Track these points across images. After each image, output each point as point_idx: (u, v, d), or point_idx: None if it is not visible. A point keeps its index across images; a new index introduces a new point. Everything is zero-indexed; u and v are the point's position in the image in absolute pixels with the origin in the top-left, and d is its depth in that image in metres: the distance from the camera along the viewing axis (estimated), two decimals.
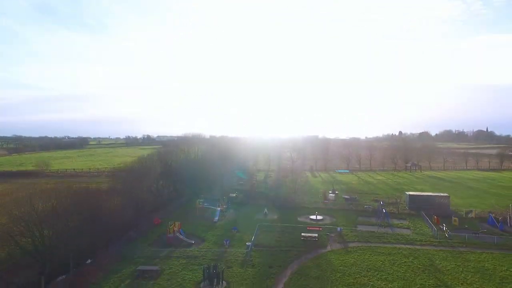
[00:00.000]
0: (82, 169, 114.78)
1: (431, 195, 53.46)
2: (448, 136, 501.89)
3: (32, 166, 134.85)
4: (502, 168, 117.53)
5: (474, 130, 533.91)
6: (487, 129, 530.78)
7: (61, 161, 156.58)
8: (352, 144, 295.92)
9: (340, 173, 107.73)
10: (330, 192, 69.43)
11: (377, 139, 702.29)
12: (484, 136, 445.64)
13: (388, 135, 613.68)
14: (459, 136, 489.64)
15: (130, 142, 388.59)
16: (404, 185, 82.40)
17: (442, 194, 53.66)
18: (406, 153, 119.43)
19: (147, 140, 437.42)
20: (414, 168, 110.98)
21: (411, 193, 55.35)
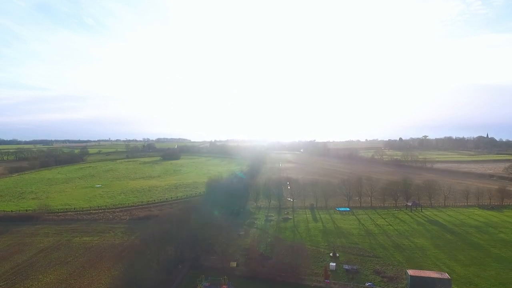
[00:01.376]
0: (82, 208, 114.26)
1: (432, 278, 53.31)
2: (449, 143, 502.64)
3: (32, 198, 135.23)
4: (503, 204, 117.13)
5: (475, 137, 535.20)
6: (487, 135, 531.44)
7: (61, 188, 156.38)
8: (352, 156, 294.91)
9: (341, 212, 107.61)
10: (331, 255, 69.59)
11: (377, 143, 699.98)
12: (485, 143, 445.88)
13: (388, 141, 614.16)
14: (460, 143, 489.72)
15: (131, 151, 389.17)
16: (404, 238, 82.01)
17: (443, 277, 53.47)
18: (406, 188, 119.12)
19: (147, 149, 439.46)
20: (415, 207, 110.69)
21: (412, 273, 55.08)
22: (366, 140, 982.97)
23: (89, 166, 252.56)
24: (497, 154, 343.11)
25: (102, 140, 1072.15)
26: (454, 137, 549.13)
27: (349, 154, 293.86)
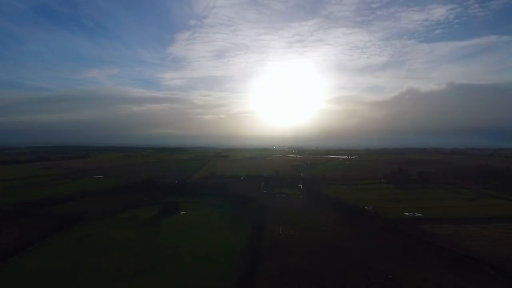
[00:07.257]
0: None
1: None
2: (450, 171, 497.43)
3: None
4: None
5: (475, 165, 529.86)
6: (487, 163, 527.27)
7: None
8: None
9: None
10: None
11: (376, 163, 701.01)
12: (485, 176, 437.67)
13: (388, 171, 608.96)
14: (460, 172, 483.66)
15: (129, 193, 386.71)
16: None
17: None
18: None
19: (147, 185, 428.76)
20: None
21: None
22: (365, 149, 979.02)
23: (82, 241, 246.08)
24: (495, 196, 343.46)
25: (100, 150, 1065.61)
26: (453, 145, 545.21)
27: (352, 207, 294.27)
